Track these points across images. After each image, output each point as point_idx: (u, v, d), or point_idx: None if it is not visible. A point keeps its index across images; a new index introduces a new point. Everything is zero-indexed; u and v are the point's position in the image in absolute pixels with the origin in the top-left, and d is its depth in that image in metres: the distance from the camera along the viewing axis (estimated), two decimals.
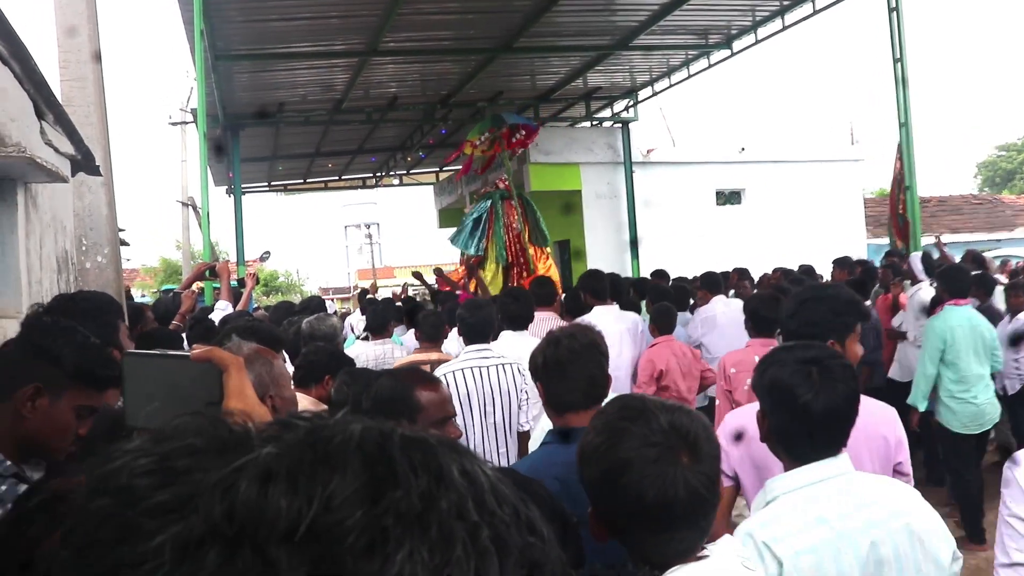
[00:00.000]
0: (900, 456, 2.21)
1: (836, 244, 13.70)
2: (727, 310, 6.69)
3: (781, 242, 14.94)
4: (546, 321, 5.21)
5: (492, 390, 3.87)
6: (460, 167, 12.72)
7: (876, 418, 2.20)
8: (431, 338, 4.90)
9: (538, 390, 2.31)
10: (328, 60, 11.00)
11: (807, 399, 1.78)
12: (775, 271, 9.39)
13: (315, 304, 7.08)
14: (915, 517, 1.75)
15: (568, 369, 2.20)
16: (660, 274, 9.63)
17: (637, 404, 1.37)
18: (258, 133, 14.81)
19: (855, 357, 2.26)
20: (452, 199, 20.18)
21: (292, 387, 2.21)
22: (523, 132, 10.54)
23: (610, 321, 5.24)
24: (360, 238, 57.40)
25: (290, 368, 3.33)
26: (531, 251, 9.79)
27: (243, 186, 16.19)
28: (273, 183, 20.83)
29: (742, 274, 9.00)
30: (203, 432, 0.48)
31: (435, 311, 5.86)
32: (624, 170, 15.05)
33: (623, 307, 5.94)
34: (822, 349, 1.90)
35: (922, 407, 5.37)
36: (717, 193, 16.11)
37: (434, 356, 4.62)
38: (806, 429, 1.79)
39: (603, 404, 1.44)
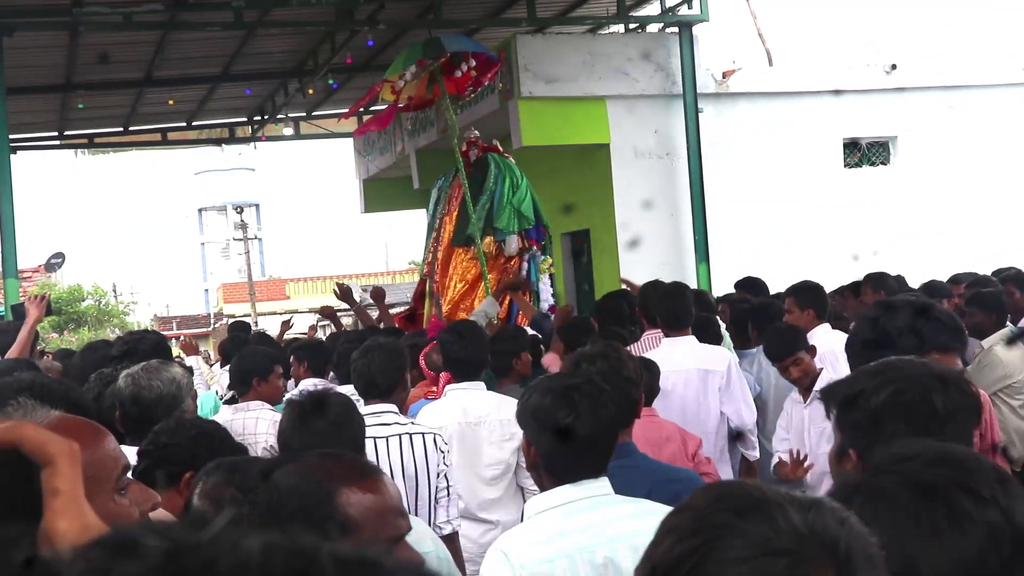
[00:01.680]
0: None
1: None
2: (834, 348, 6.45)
3: (960, 230, 14.85)
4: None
5: (392, 471, 4.67)
6: (375, 117, 13.06)
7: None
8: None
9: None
10: None
11: (569, 422, 3.14)
12: (958, 284, 9.35)
13: (147, 345, 7.04)
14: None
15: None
16: (750, 286, 9.98)
17: (748, 492, 1.47)
18: (39, 43, 14.61)
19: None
20: (386, 162, 20.10)
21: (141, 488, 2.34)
22: (472, 64, 10.76)
23: (685, 359, 6.54)
24: (226, 230, 57.02)
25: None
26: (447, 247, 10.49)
27: (13, 137, 15.93)
28: (69, 133, 20.77)
29: (878, 284, 9.16)
30: None
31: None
32: (685, 108, 15.04)
33: (706, 338, 6.92)
34: (584, 376, 3.46)
35: None
36: (847, 145, 16.21)
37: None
38: (570, 452, 3.18)
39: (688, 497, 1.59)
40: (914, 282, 9.88)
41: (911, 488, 1.74)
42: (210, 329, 46.94)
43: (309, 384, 6.73)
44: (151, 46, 15.33)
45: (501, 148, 11.13)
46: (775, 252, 14.21)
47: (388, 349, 5.15)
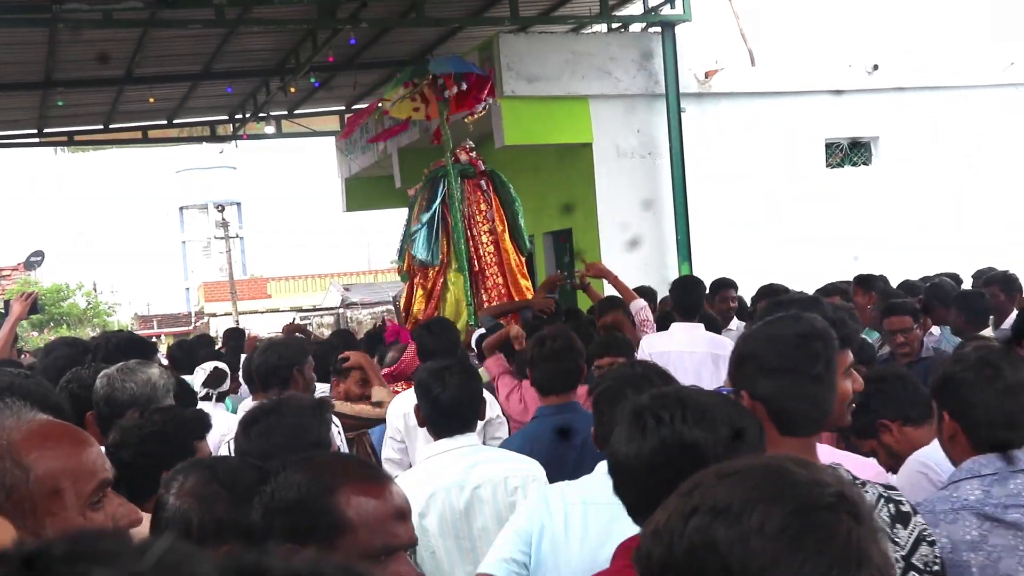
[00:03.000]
0: None
1: None
2: None
3: (941, 230, 14.90)
4: None
5: None
6: (361, 137, 13.20)
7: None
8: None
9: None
10: None
11: (437, 393, 4.46)
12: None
13: (126, 343, 6.90)
14: (514, 474, 4.41)
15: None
16: (723, 285, 10.47)
17: (779, 465, 1.58)
18: (18, 40, 14.61)
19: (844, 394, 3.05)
20: (368, 161, 20.08)
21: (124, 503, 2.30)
22: (464, 87, 10.89)
23: (697, 343, 7.70)
24: (207, 229, 56.93)
25: None
26: (513, 254, 10.63)
27: None
28: (48, 130, 20.68)
29: (866, 286, 9.27)
30: None
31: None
32: (667, 108, 15.05)
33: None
34: (458, 360, 5.20)
35: None
36: (829, 145, 16.27)
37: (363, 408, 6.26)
38: (442, 416, 4.48)
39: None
40: (895, 281, 9.93)
41: (631, 413, 2.53)
42: (191, 328, 46.79)
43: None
44: (132, 43, 15.25)
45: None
46: (757, 251, 14.25)
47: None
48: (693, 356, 7.52)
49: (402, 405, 6.02)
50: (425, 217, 10.47)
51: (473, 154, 10.78)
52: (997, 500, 3.05)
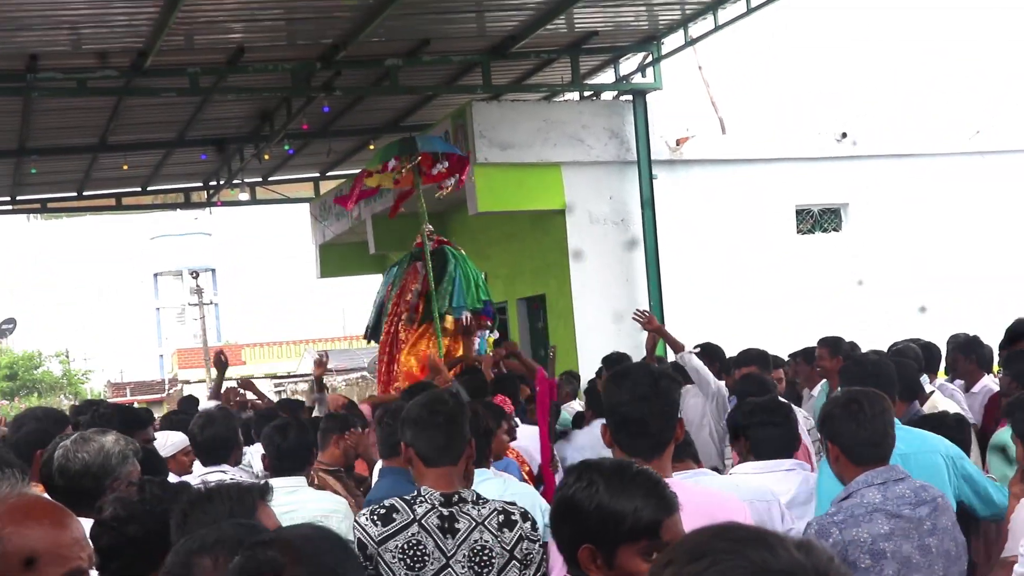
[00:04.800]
0: None
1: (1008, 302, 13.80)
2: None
3: (910, 296, 15.00)
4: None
5: None
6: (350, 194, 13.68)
7: (725, 512, 3.42)
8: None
9: None
10: None
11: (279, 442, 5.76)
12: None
13: (104, 412, 7.14)
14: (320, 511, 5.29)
15: None
16: (710, 352, 9.84)
17: (746, 528, 1.62)
18: None
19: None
20: (343, 227, 20.11)
21: None
22: (445, 165, 11.34)
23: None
24: (182, 295, 56.71)
25: None
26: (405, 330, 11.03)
27: None
28: (21, 198, 20.72)
29: (835, 349, 9.21)
30: None
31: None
32: (639, 175, 15.15)
33: None
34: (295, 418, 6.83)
35: None
36: (800, 212, 16.39)
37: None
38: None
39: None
40: (864, 347, 9.93)
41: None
42: (164, 395, 46.45)
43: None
44: (106, 111, 15.30)
45: (454, 243, 11.67)
46: (729, 317, 14.29)
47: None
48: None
49: None
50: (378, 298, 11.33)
51: (431, 236, 11.16)
52: (893, 501, 4.13)
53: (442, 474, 4.10)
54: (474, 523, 4.05)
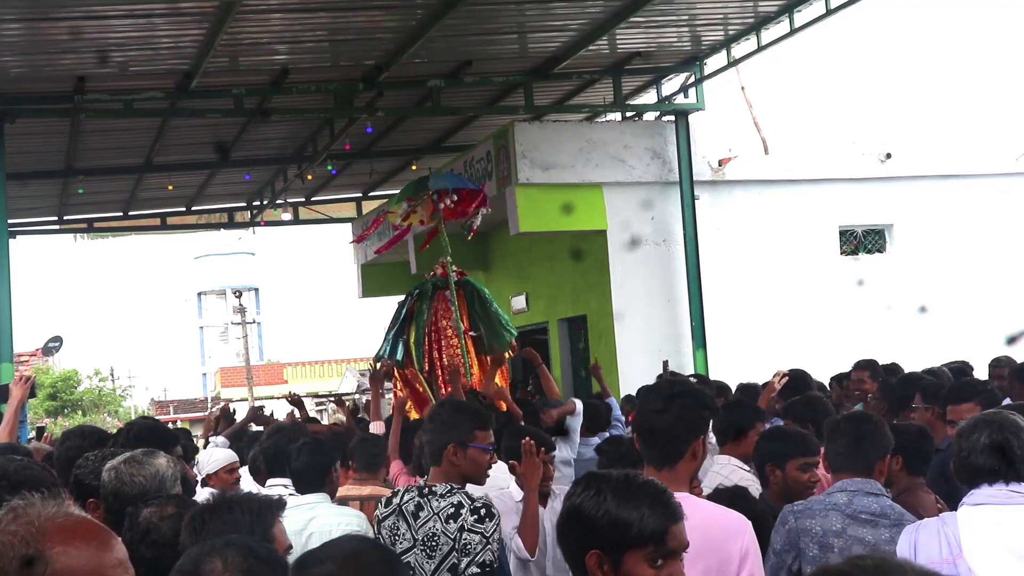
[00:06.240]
0: (745, 570, 3.67)
1: None
2: None
3: (955, 318, 14.86)
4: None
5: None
6: (376, 243, 14.05)
7: (724, 530, 3.69)
8: (368, 467, 6.76)
9: None
10: (166, 2, 11.05)
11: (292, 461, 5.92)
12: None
13: (138, 431, 6.96)
14: (338, 525, 5.45)
15: None
16: (740, 389, 9.72)
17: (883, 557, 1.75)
18: (40, 129, 14.79)
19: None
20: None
21: None
22: (455, 199, 11.73)
23: None
24: (225, 314, 57.08)
25: None
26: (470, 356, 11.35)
27: (13, 222, 15.98)
28: (68, 218, 20.85)
29: (874, 372, 9.17)
30: None
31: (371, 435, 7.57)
32: (681, 195, 15.13)
33: None
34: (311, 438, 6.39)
35: None
36: (843, 233, 16.30)
37: (366, 491, 6.52)
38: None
39: None
40: (909, 369, 9.84)
41: None
42: (206, 413, 46.73)
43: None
44: (151, 132, 15.44)
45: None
46: (772, 339, 14.21)
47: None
48: None
49: None
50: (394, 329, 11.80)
51: (451, 268, 11.59)
52: (856, 507, 4.57)
53: (435, 472, 4.88)
54: (432, 513, 4.70)
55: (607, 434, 9.43)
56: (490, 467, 4.96)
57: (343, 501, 6.43)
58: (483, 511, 4.66)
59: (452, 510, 4.65)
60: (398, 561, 2.69)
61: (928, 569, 1.68)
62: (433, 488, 4.74)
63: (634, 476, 3.01)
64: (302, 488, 5.77)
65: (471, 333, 11.42)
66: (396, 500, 4.80)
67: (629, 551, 2.85)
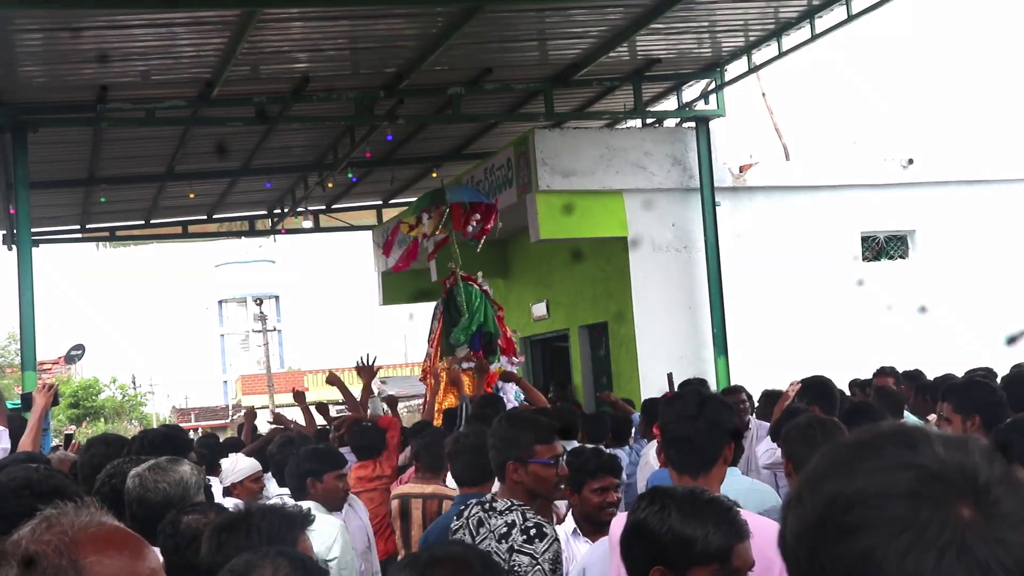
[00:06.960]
0: None
1: None
2: None
3: (978, 324, 14.82)
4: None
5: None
6: (397, 253, 14.66)
7: (769, 540, 3.72)
8: (432, 468, 6.97)
9: None
10: (187, 12, 11.11)
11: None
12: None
13: (160, 439, 6.84)
14: None
15: None
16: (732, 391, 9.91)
17: (898, 425, 1.59)
18: (63, 138, 14.92)
19: None
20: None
21: None
22: (476, 214, 12.45)
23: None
24: (246, 322, 57.29)
25: None
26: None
27: (36, 231, 16.05)
28: (91, 226, 21.02)
29: (897, 379, 9.12)
30: None
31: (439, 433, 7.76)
32: (702, 202, 15.14)
33: None
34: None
35: None
36: (865, 239, 16.31)
37: (429, 489, 6.86)
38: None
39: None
40: (931, 375, 9.81)
41: None
42: (228, 421, 46.86)
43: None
44: (173, 141, 15.54)
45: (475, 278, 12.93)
46: (794, 345, 14.18)
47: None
48: None
49: None
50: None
51: (460, 274, 12.46)
52: None
53: (501, 488, 4.85)
54: (489, 531, 4.60)
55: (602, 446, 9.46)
56: (561, 481, 4.80)
57: (407, 497, 7.00)
58: (533, 531, 4.50)
59: (504, 530, 4.53)
60: (496, 565, 2.80)
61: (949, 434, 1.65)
62: (494, 504, 4.63)
63: (700, 492, 3.02)
64: (294, 496, 6.03)
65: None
66: (466, 513, 4.71)
67: (693, 568, 2.85)
